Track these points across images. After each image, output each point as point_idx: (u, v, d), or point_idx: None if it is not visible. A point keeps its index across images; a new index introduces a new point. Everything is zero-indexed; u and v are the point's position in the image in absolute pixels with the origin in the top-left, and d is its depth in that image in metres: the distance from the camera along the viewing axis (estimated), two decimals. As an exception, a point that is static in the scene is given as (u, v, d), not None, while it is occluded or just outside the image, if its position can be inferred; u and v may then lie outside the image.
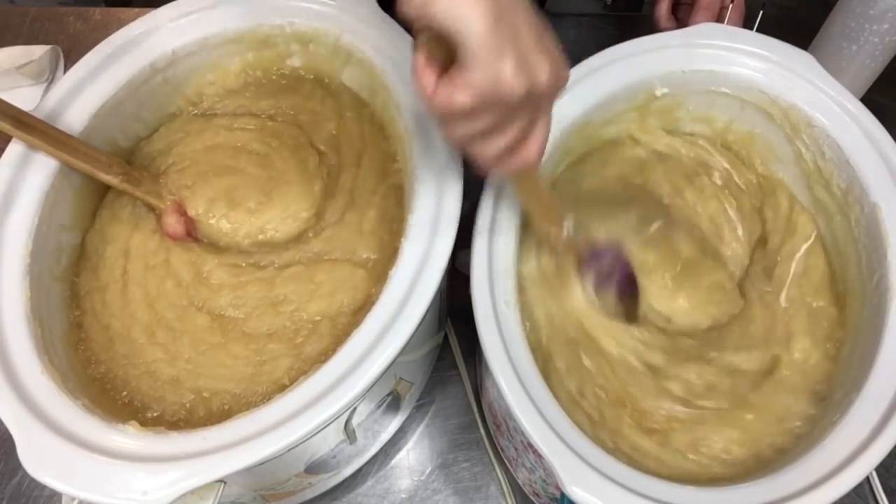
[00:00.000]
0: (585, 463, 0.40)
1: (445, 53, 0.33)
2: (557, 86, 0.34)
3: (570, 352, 0.49)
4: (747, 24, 0.62)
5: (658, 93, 0.55)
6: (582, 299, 0.50)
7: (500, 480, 0.58)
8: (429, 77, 0.33)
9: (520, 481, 0.55)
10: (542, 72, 0.33)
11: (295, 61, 0.58)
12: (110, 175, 0.50)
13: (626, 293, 0.51)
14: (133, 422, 0.41)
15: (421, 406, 0.61)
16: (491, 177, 0.49)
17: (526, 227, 0.50)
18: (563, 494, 0.41)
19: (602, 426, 0.47)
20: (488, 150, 0.36)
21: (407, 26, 0.35)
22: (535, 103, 0.34)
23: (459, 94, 0.32)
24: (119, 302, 0.49)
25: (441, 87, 0.33)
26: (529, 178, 0.42)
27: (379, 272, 0.49)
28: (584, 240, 0.50)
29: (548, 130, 0.37)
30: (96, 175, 0.50)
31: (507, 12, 0.31)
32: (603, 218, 0.53)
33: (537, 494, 0.52)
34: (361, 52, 0.54)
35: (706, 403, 0.48)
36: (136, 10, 0.82)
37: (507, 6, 0.31)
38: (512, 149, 0.36)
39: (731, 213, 0.55)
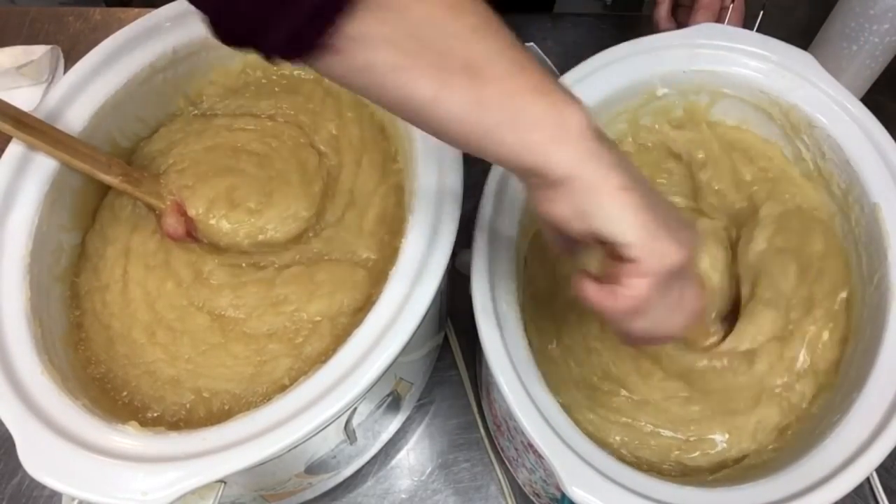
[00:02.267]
0: (586, 463, 0.40)
1: (599, 265, 0.34)
2: (697, 247, 0.36)
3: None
4: (747, 24, 0.62)
5: (659, 93, 0.55)
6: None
7: (500, 480, 0.58)
8: (593, 287, 0.34)
9: (520, 481, 0.55)
10: (687, 238, 0.34)
11: (295, 61, 0.58)
12: (110, 175, 0.50)
13: None
14: (133, 422, 0.41)
15: (421, 406, 0.61)
16: (491, 175, 0.49)
17: (526, 228, 0.50)
18: (563, 495, 0.41)
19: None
20: (670, 327, 0.36)
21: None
22: (684, 278, 0.35)
23: (637, 287, 0.32)
24: (119, 302, 0.49)
25: (614, 291, 0.33)
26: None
27: (379, 272, 0.49)
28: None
29: (695, 281, 0.37)
30: (96, 175, 0.50)
31: (643, 188, 0.32)
32: None
33: (537, 494, 0.52)
34: (361, 52, 0.54)
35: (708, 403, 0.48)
36: (136, 10, 0.82)
37: (640, 181, 0.32)
38: (684, 320, 0.37)
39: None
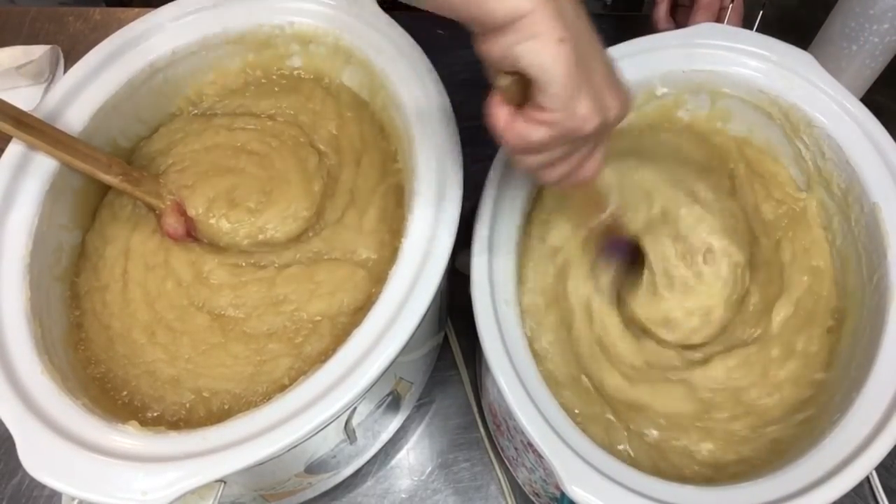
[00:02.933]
0: (585, 462, 0.40)
1: (520, 92, 0.35)
2: (623, 116, 0.37)
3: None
4: (747, 24, 0.62)
5: (658, 93, 0.55)
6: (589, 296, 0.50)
7: (500, 480, 0.58)
8: (504, 113, 0.35)
9: (520, 481, 0.55)
10: (613, 107, 0.35)
11: (295, 61, 0.58)
12: (110, 175, 0.50)
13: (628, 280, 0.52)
14: (133, 422, 0.41)
15: (421, 406, 0.61)
16: (491, 176, 0.49)
17: (525, 228, 0.50)
18: (563, 494, 0.41)
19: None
20: (554, 173, 0.39)
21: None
22: (601, 133, 0.36)
23: (536, 130, 0.34)
24: (119, 302, 0.49)
25: (518, 123, 0.35)
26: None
27: (379, 272, 0.49)
28: (618, 224, 0.51)
29: (606, 150, 0.39)
30: (96, 175, 0.50)
31: (585, 52, 0.33)
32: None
33: (537, 494, 0.52)
34: (361, 52, 0.54)
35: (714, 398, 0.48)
36: (136, 10, 0.82)
37: (584, 46, 0.33)
38: (575, 170, 0.39)
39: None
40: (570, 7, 0.33)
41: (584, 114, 0.34)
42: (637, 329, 0.51)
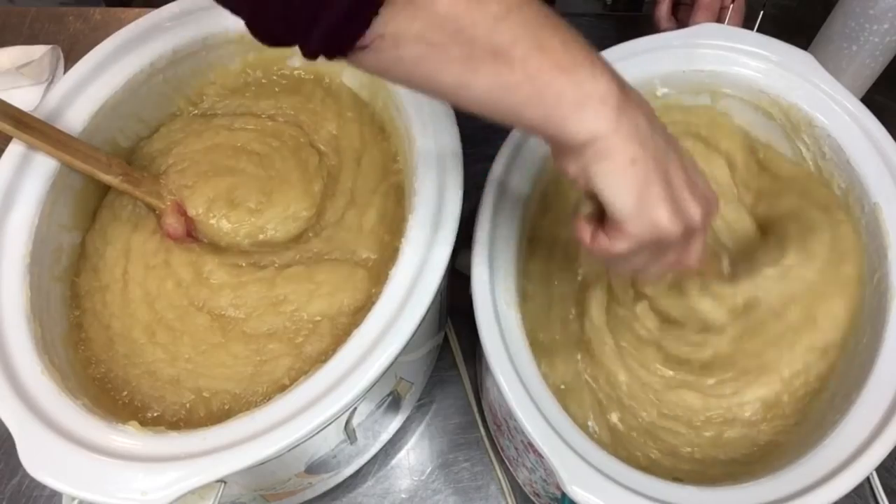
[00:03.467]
0: (586, 462, 0.40)
1: (600, 208, 0.35)
2: (711, 219, 0.37)
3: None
4: (747, 24, 0.62)
5: (658, 93, 0.55)
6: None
7: (500, 480, 0.58)
8: (587, 229, 0.37)
9: (520, 481, 0.55)
10: (696, 213, 0.35)
11: (295, 61, 0.58)
12: (110, 175, 0.50)
13: None
14: (133, 422, 0.41)
15: (421, 406, 0.61)
16: (491, 176, 0.49)
17: (525, 229, 0.50)
18: (563, 494, 0.41)
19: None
20: (650, 273, 0.39)
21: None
22: (690, 237, 0.37)
23: (617, 244, 0.35)
24: (119, 302, 0.49)
25: (600, 238, 0.36)
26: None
27: (379, 272, 0.49)
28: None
29: (703, 243, 0.39)
30: (96, 175, 0.50)
31: (661, 164, 0.33)
32: None
33: (537, 494, 0.52)
34: (361, 52, 0.54)
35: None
36: (136, 10, 0.82)
37: (661, 158, 0.34)
38: (673, 265, 0.39)
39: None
40: (645, 122, 0.33)
41: (664, 224, 0.34)
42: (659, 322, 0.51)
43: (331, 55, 0.32)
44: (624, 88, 0.33)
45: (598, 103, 0.31)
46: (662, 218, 0.34)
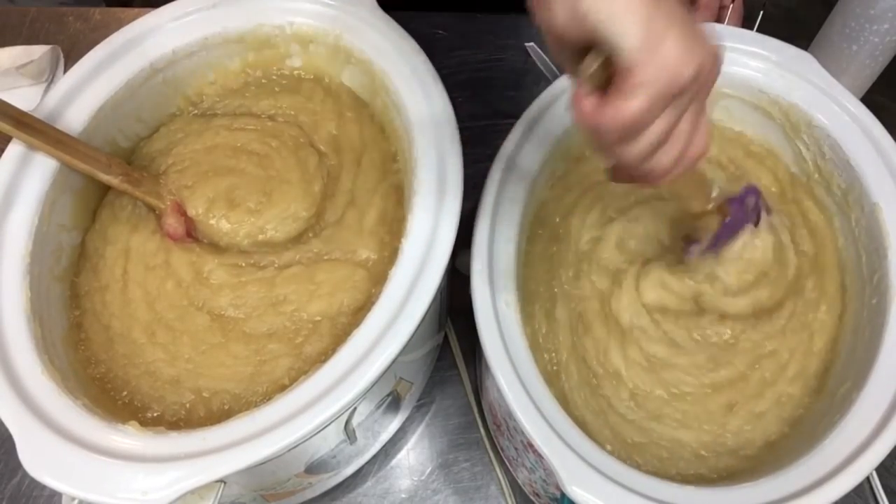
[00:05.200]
0: (585, 463, 0.40)
1: (605, 78, 0.31)
2: (719, 66, 0.33)
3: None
4: (747, 24, 0.62)
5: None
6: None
7: (500, 480, 0.58)
8: (590, 103, 0.32)
9: (520, 481, 0.55)
10: (705, 52, 0.31)
11: (295, 61, 0.58)
12: (110, 175, 0.50)
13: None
14: (133, 422, 0.41)
15: (421, 406, 0.61)
16: (491, 176, 0.49)
17: (526, 228, 0.50)
18: (563, 494, 0.41)
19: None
20: (664, 159, 0.34)
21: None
22: (699, 90, 0.32)
23: (630, 101, 0.30)
24: (119, 302, 0.49)
25: (607, 106, 0.31)
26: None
27: (379, 272, 0.49)
28: (725, 195, 0.47)
29: (706, 119, 0.35)
30: (96, 175, 0.50)
31: (666, 5, 0.30)
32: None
33: (537, 494, 0.52)
34: (361, 52, 0.54)
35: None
36: (136, 10, 0.82)
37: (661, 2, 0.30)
38: (685, 148, 0.35)
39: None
40: None
41: (676, 57, 0.30)
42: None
43: None
44: None
45: None
46: (674, 52, 0.30)
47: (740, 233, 0.48)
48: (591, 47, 0.31)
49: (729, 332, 0.50)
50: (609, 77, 0.31)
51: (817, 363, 0.49)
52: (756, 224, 0.49)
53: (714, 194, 0.46)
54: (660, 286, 0.50)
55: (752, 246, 0.49)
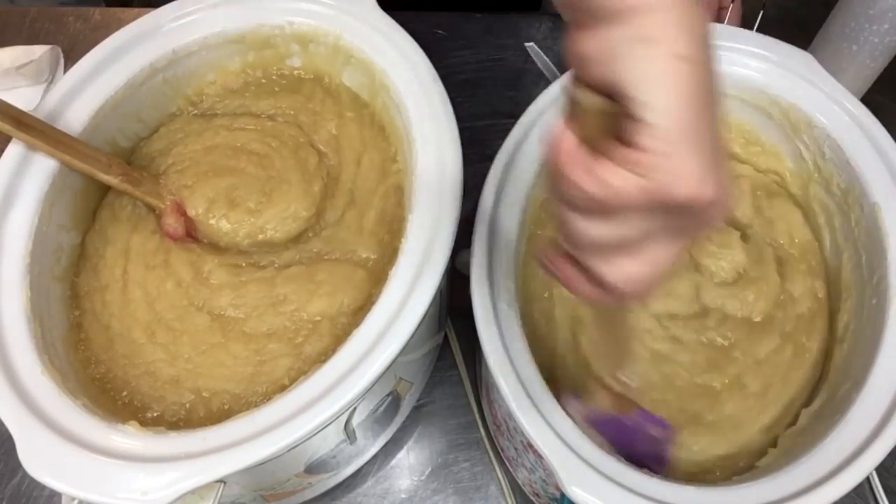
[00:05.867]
0: (585, 463, 0.40)
1: (602, 125, 0.25)
2: (721, 216, 0.27)
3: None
4: (747, 24, 0.62)
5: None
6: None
7: (500, 480, 0.58)
8: (571, 143, 0.25)
9: (520, 481, 0.55)
10: (725, 188, 0.25)
11: (295, 61, 0.58)
12: (110, 175, 0.50)
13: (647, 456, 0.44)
14: (133, 422, 0.41)
15: (421, 406, 0.61)
16: (491, 176, 0.49)
17: (526, 228, 0.50)
18: (563, 494, 0.41)
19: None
20: (617, 267, 0.27)
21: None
22: (693, 225, 0.27)
23: (623, 178, 0.24)
24: (119, 302, 0.49)
25: (599, 165, 0.25)
26: (621, 310, 0.37)
27: (379, 272, 0.49)
28: (634, 403, 0.43)
29: (673, 265, 0.28)
30: (96, 175, 0.50)
31: (702, 105, 0.24)
32: None
33: (537, 494, 0.52)
34: (361, 53, 0.54)
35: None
36: (136, 10, 0.82)
37: (705, 90, 0.24)
38: (648, 270, 0.27)
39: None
40: (701, 25, 0.24)
41: (695, 175, 0.24)
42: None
43: None
44: None
45: None
46: (695, 165, 0.24)
47: (621, 443, 0.43)
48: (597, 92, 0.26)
49: (730, 334, 0.50)
50: (608, 126, 0.25)
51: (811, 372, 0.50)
52: (654, 465, 0.44)
53: (632, 384, 0.42)
54: (664, 294, 0.51)
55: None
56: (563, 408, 0.42)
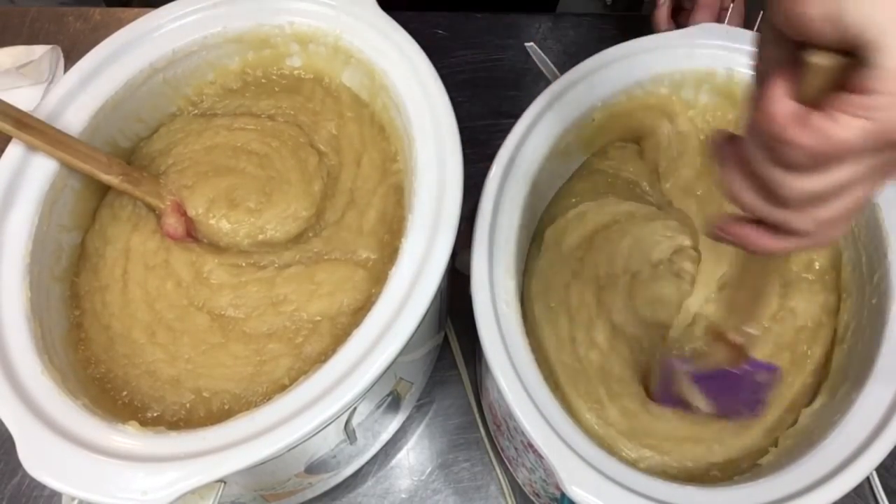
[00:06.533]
0: (585, 463, 0.40)
1: (829, 83, 0.27)
2: None
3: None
4: (747, 24, 0.62)
5: (659, 92, 0.55)
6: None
7: (500, 480, 0.58)
8: (789, 107, 0.27)
9: (520, 481, 0.55)
10: None
11: (295, 61, 0.58)
12: (110, 175, 0.50)
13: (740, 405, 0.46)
14: (133, 422, 0.41)
15: (421, 406, 0.61)
16: (491, 176, 0.49)
17: (525, 228, 0.50)
18: (563, 494, 0.41)
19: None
20: (816, 217, 0.29)
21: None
22: None
23: (848, 125, 0.26)
24: (119, 302, 0.49)
25: (816, 119, 0.26)
26: (776, 261, 0.38)
27: (379, 272, 0.49)
28: (747, 353, 0.44)
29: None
30: (96, 175, 0.50)
31: None
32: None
33: (537, 494, 0.52)
34: (361, 53, 0.54)
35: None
36: (136, 10, 0.82)
37: None
38: (848, 210, 0.29)
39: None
40: None
41: None
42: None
43: None
44: None
45: None
46: None
47: (723, 395, 0.45)
48: (824, 49, 0.27)
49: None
50: (832, 84, 0.27)
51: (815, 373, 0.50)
52: (752, 411, 0.46)
53: (757, 333, 0.44)
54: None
55: None
56: (667, 371, 0.45)
